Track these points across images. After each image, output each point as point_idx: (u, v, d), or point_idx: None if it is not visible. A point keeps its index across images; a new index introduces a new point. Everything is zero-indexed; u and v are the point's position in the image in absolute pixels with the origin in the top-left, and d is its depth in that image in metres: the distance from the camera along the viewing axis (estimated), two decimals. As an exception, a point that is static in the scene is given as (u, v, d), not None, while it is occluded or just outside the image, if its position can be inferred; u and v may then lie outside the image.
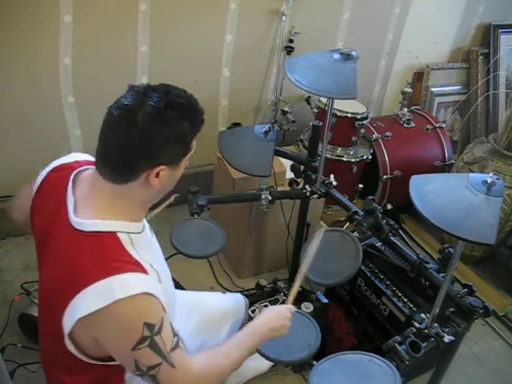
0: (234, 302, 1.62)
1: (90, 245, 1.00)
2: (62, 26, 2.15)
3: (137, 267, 1.01)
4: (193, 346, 1.45)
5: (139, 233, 1.09)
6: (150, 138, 0.99)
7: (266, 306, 2.25)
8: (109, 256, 0.99)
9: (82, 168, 1.14)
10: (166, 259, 1.29)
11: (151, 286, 1.01)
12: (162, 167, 1.02)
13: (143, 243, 1.09)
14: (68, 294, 0.98)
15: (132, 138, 0.98)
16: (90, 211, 1.04)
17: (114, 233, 1.02)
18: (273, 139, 1.95)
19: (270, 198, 1.98)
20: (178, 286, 2.09)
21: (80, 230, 1.02)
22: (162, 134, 1.00)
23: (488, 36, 3.30)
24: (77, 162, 1.18)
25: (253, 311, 2.22)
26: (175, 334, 1.05)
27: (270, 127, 1.97)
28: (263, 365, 1.94)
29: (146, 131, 0.98)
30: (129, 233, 1.05)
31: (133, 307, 0.97)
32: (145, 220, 1.17)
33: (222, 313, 1.56)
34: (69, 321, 0.99)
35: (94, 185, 1.06)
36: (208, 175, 2.70)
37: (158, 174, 1.02)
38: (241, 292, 2.23)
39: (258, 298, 2.27)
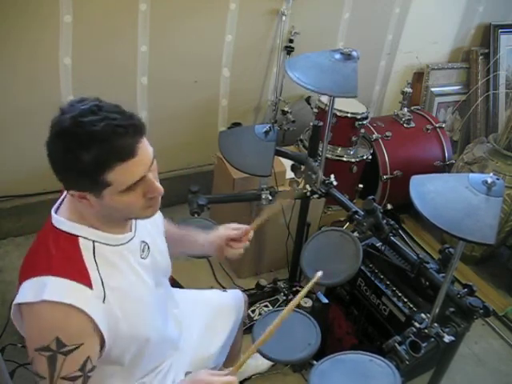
0: (234, 299, 1.62)
1: (50, 240, 1.02)
2: (62, 25, 2.15)
3: (81, 277, 0.99)
4: (193, 345, 1.46)
5: (113, 245, 1.06)
6: (54, 163, 0.96)
7: (265, 305, 2.26)
8: (58, 256, 0.99)
9: None
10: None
11: (85, 302, 0.97)
12: (75, 192, 0.97)
13: (113, 256, 1.06)
14: (23, 276, 1.02)
15: (48, 153, 0.97)
16: (66, 211, 1.05)
17: (75, 236, 1.02)
18: (273, 139, 1.95)
19: (270, 198, 1.98)
20: (177, 285, 2.09)
21: (52, 224, 1.04)
22: (61, 161, 0.95)
23: (488, 36, 3.30)
24: None
25: (253, 311, 2.22)
26: (83, 371, 0.98)
27: (270, 127, 1.97)
28: (263, 363, 1.94)
29: (52, 150, 0.96)
30: (95, 241, 1.03)
31: (54, 315, 0.95)
32: (137, 235, 1.13)
33: (223, 311, 1.57)
34: (13, 304, 1.02)
35: None
36: (208, 175, 2.70)
37: (84, 197, 0.98)
38: (241, 292, 2.23)
39: (258, 298, 2.28)
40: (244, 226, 1.39)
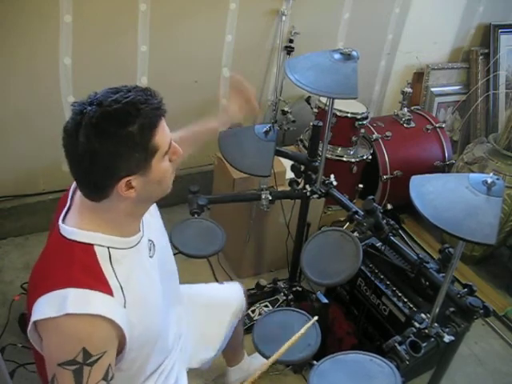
0: (232, 291, 1.63)
1: (63, 251, 0.99)
2: (62, 25, 2.15)
3: (101, 286, 0.97)
4: (193, 341, 1.46)
5: (126, 248, 1.06)
6: (96, 158, 0.93)
7: (265, 306, 2.25)
8: (75, 267, 0.97)
9: None
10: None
11: (109, 310, 0.96)
12: (126, 179, 0.96)
13: (128, 260, 1.05)
14: (37, 292, 0.98)
15: (81, 161, 0.94)
16: (76, 219, 1.03)
17: (90, 245, 1.00)
18: (273, 139, 1.95)
19: (270, 198, 1.98)
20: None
21: (62, 235, 1.01)
22: (107, 150, 0.92)
23: (488, 36, 3.30)
24: None
25: (253, 311, 2.22)
26: (106, 379, 0.98)
27: (270, 127, 1.96)
28: (266, 362, 1.94)
29: (90, 151, 0.92)
30: (110, 247, 1.02)
31: (79, 327, 0.94)
32: (145, 234, 1.13)
33: (222, 303, 1.57)
34: (30, 320, 0.98)
35: (81, 195, 1.04)
36: (208, 175, 2.70)
37: (129, 185, 0.97)
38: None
39: (258, 298, 2.27)
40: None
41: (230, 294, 1.61)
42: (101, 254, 1.00)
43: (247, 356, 1.88)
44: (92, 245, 1.00)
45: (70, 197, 1.09)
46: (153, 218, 1.23)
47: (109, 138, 0.92)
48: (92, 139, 0.91)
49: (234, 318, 1.58)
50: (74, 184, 1.10)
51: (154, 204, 1.24)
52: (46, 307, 0.94)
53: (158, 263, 1.19)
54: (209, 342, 1.51)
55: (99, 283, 0.98)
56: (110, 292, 0.98)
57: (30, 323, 0.97)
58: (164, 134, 0.99)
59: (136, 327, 1.04)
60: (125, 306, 1.01)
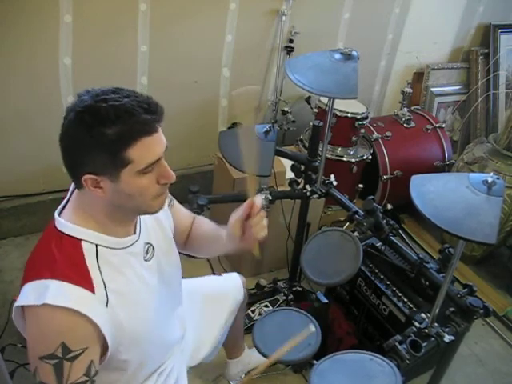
0: (231, 282, 1.62)
1: (53, 243, 1.01)
2: (62, 25, 2.15)
3: (83, 282, 0.98)
4: (195, 331, 1.45)
5: (116, 248, 1.06)
6: (70, 144, 0.96)
7: (265, 306, 2.25)
8: (61, 259, 0.98)
9: None
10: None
11: (88, 307, 0.96)
12: (90, 176, 0.96)
13: (116, 260, 1.05)
14: (25, 278, 1.00)
15: (62, 141, 0.97)
16: (69, 213, 1.05)
17: (78, 240, 1.01)
18: (273, 139, 1.95)
19: (270, 198, 1.97)
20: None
21: (55, 227, 1.03)
22: (79, 140, 0.94)
23: (488, 36, 3.30)
24: None
25: (253, 311, 2.22)
26: (88, 375, 0.98)
27: (270, 127, 1.97)
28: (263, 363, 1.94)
29: (67, 135, 0.96)
30: (98, 245, 1.02)
31: (57, 320, 0.94)
32: (141, 238, 1.12)
33: (221, 295, 1.57)
34: (14, 306, 1.00)
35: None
36: (208, 175, 2.70)
37: (96, 183, 0.97)
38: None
39: (258, 298, 2.27)
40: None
41: (228, 285, 1.60)
42: (88, 251, 1.01)
43: (248, 349, 1.88)
44: (80, 240, 1.01)
45: (70, 192, 1.10)
46: (159, 225, 1.22)
47: (84, 129, 0.93)
48: (72, 125, 0.94)
49: (234, 309, 1.57)
50: None
51: (166, 211, 1.24)
52: (28, 294, 0.97)
53: (158, 267, 1.19)
54: (208, 335, 1.50)
55: (82, 279, 0.98)
56: (91, 289, 0.99)
57: (14, 307, 0.99)
58: (144, 152, 0.96)
59: (123, 327, 1.04)
60: (107, 305, 1.01)
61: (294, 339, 1.29)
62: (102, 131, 0.92)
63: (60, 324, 0.95)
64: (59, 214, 1.05)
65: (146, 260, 1.15)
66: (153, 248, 1.17)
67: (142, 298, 1.12)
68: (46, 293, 0.94)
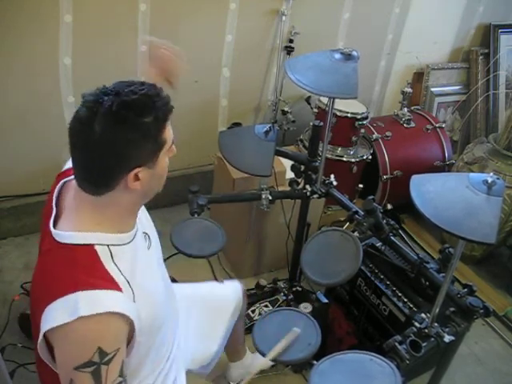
0: (231, 290, 1.62)
1: (63, 257, 0.98)
2: (62, 25, 2.15)
3: (109, 284, 0.98)
4: (192, 342, 1.45)
5: (124, 244, 1.06)
6: (113, 145, 0.94)
7: (265, 306, 2.25)
8: (79, 270, 0.96)
9: (71, 177, 1.09)
10: (166, 259, 1.28)
11: (120, 305, 0.96)
12: (137, 169, 0.97)
13: (128, 255, 1.05)
14: (43, 302, 0.96)
15: (95, 149, 0.94)
16: (72, 222, 1.02)
17: (91, 245, 0.99)
18: (273, 139, 1.95)
19: (270, 198, 1.98)
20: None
21: (57, 241, 1.00)
22: (124, 138, 0.94)
23: (488, 36, 3.30)
24: (70, 168, 1.11)
25: (253, 311, 2.22)
26: (122, 375, 0.99)
27: (270, 127, 1.97)
28: (267, 362, 1.95)
29: (106, 139, 0.93)
30: (109, 245, 1.02)
31: (94, 328, 0.93)
32: (139, 228, 1.13)
33: (220, 302, 1.57)
34: (41, 329, 0.96)
35: (78, 195, 1.03)
36: (208, 175, 2.70)
37: (136, 176, 0.98)
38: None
39: (258, 298, 2.27)
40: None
41: (228, 293, 1.60)
42: (102, 253, 1.00)
43: (249, 352, 1.88)
44: (92, 245, 1.00)
45: (54, 203, 1.08)
46: (145, 215, 1.24)
47: (127, 125, 0.94)
48: (110, 127, 0.93)
49: (233, 317, 1.58)
50: (57, 190, 1.09)
51: None
52: (57, 314, 0.93)
53: (156, 256, 1.21)
54: (208, 342, 1.50)
55: (106, 281, 0.97)
56: (118, 288, 0.98)
57: (41, 334, 0.95)
58: (169, 130, 1.02)
59: (143, 320, 1.04)
60: (134, 300, 1.01)
61: (279, 344, 1.34)
62: (143, 121, 0.95)
63: (97, 330, 0.94)
64: (54, 228, 1.02)
65: (147, 249, 1.17)
66: (148, 237, 1.19)
67: (154, 289, 1.13)
68: (77, 306, 0.92)
